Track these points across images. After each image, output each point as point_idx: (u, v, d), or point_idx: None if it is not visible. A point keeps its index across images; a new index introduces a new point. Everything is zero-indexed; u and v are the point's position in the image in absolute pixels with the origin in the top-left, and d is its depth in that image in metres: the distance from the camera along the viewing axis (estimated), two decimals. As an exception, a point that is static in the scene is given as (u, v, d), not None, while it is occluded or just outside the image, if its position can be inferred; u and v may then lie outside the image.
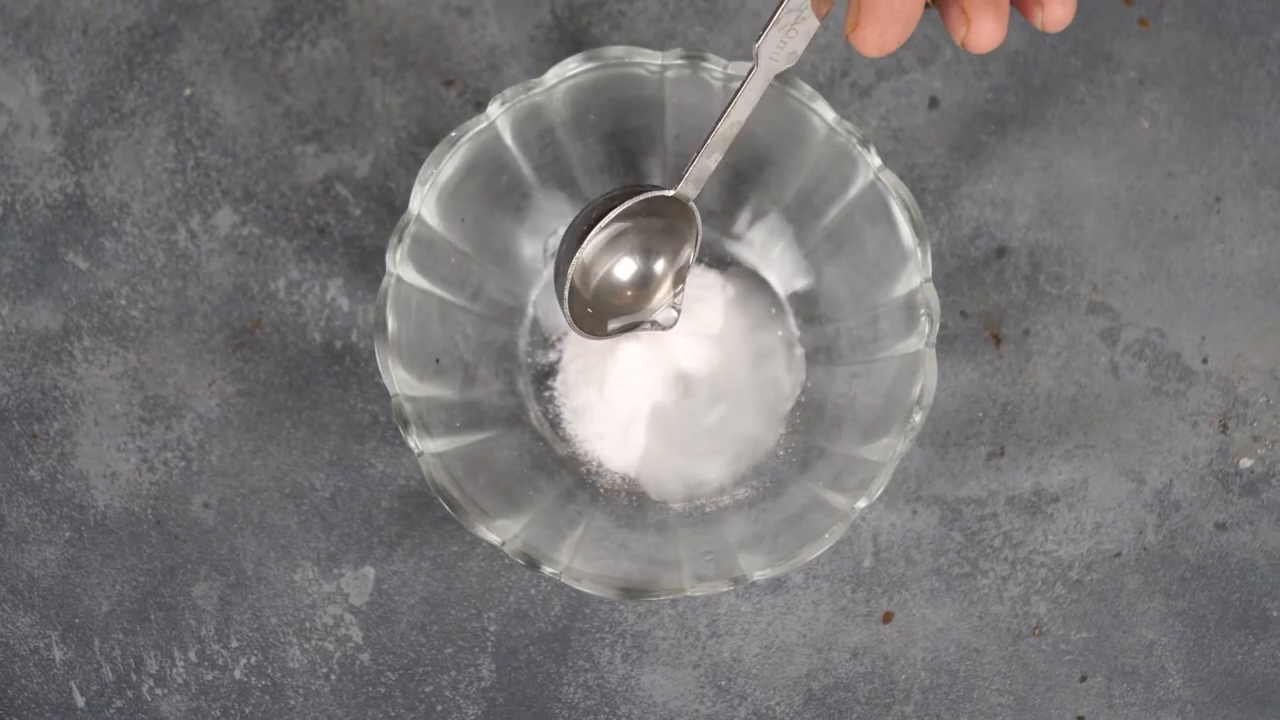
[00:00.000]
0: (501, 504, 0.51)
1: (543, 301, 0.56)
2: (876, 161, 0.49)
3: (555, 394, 0.56)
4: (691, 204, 0.50)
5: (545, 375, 0.56)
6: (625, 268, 0.51)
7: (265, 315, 0.57)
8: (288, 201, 0.57)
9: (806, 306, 0.55)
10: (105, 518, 0.56)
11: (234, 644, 0.56)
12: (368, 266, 0.57)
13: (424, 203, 0.49)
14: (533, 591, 0.56)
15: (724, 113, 0.47)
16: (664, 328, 0.53)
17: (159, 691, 0.56)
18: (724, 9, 0.58)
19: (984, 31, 0.41)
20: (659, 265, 0.52)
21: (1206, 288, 0.57)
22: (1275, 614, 0.56)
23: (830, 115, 0.49)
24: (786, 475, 0.54)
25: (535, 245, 0.56)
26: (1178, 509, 0.56)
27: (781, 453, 0.55)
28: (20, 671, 0.56)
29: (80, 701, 0.56)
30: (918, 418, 0.48)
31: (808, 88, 0.49)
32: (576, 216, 0.51)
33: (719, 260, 0.56)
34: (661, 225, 0.51)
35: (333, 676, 0.56)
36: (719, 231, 0.56)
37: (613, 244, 0.50)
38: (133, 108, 0.57)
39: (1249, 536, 0.56)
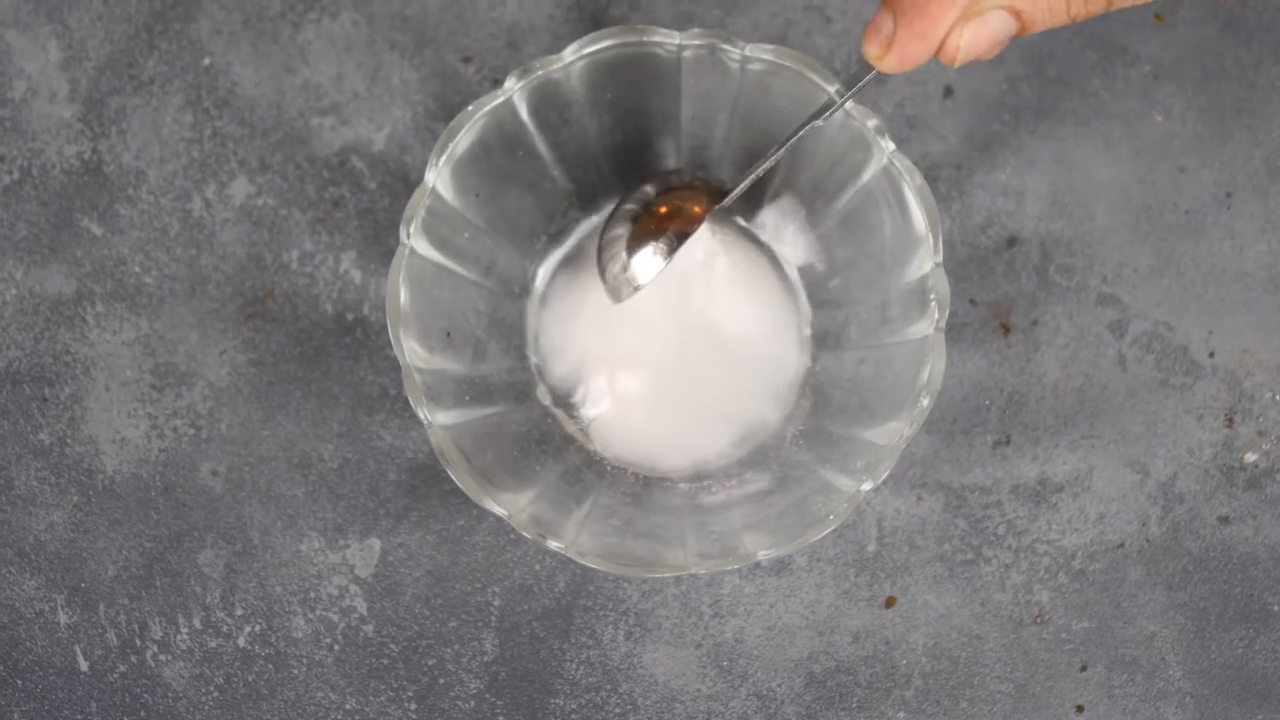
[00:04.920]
0: (509, 478, 0.51)
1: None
2: (891, 147, 0.49)
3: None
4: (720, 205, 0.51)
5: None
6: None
7: (278, 286, 0.57)
8: (303, 173, 0.57)
9: (817, 289, 0.55)
10: (113, 483, 0.57)
11: (239, 612, 0.56)
12: (381, 240, 0.57)
13: (439, 176, 0.50)
14: (537, 567, 0.56)
15: (807, 123, 0.48)
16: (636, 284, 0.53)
17: (163, 657, 0.56)
18: (742, -7, 0.58)
19: (907, 53, 0.41)
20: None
21: (1215, 282, 0.57)
22: (1276, 608, 0.56)
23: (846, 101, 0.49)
24: (792, 457, 0.54)
25: (549, 222, 0.56)
26: (1181, 501, 0.56)
27: (788, 434, 0.55)
28: (25, 634, 0.56)
29: (84, 666, 0.56)
30: (925, 403, 0.48)
31: (825, 72, 0.49)
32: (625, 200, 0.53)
33: (733, 236, 0.57)
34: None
35: (336, 647, 0.56)
36: (732, 211, 0.56)
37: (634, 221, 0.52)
38: (151, 76, 0.58)
39: (1251, 530, 0.56)
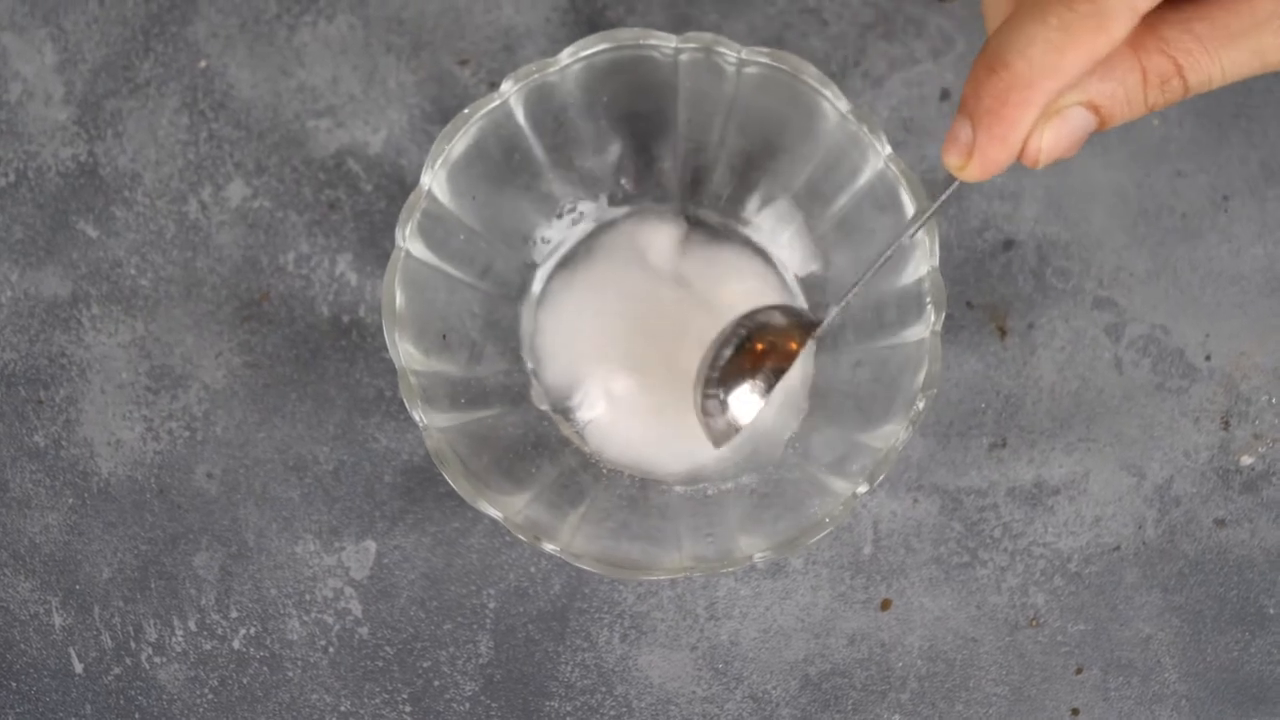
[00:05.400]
0: (504, 481, 0.51)
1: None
2: (887, 150, 0.49)
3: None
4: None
5: (551, 355, 0.56)
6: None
7: (274, 288, 0.57)
8: (299, 176, 0.57)
9: (814, 292, 0.55)
10: (108, 485, 0.57)
11: (233, 614, 0.56)
12: (377, 242, 0.57)
13: (435, 179, 0.50)
14: (533, 569, 0.56)
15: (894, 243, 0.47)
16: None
17: (157, 660, 0.56)
18: (738, -4, 0.58)
19: (989, 160, 0.40)
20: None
21: (1212, 286, 0.57)
22: (1272, 611, 0.56)
23: (842, 104, 0.49)
24: (789, 459, 0.54)
25: (545, 225, 0.56)
26: (1177, 504, 0.56)
27: (784, 437, 0.55)
28: (19, 637, 0.56)
29: (79, 668, 0.56)
30: (921, 405, 0.48)
31: (821, 75, 0.49)
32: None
33: (730, 240, 0.57)
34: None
35: (331, 649, 0.56)
36: (728, 216, 0.56)
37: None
38: (147, 78, 0.58)
39: (1248, 534, 0.56)
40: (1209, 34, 0.41)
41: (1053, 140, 0.41)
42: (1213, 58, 0.41)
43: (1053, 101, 0.40)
